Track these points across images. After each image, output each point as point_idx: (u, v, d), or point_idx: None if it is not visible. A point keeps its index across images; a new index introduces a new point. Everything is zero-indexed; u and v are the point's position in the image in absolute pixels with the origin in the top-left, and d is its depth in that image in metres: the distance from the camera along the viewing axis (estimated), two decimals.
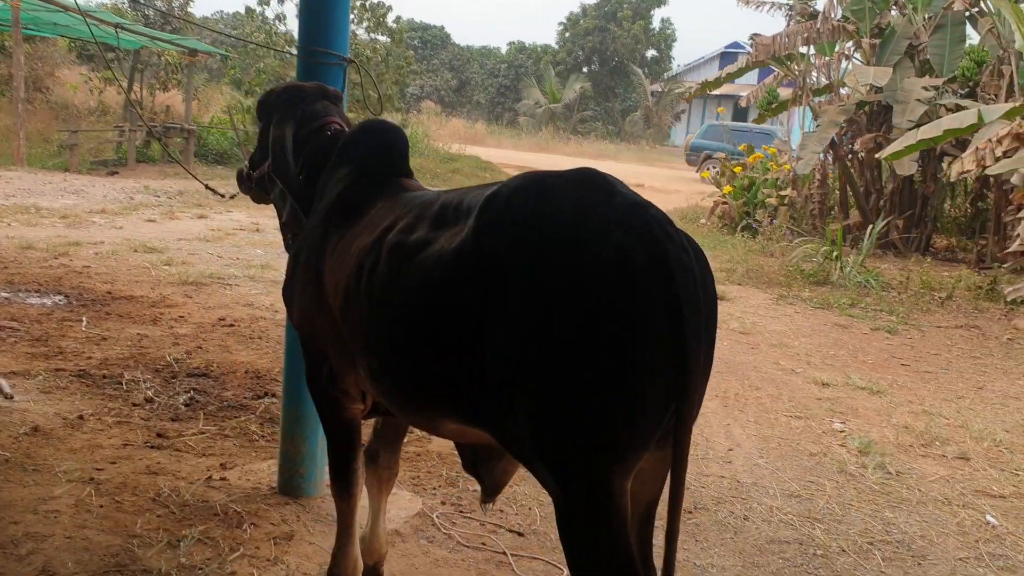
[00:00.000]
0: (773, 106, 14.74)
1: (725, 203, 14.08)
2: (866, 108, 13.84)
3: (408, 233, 2.16)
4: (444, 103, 42.92)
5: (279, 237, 10.04)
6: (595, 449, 1.77)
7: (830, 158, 14.37)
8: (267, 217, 11.98)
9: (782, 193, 13.83)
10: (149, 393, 4.76)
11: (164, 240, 9.44)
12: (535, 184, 1.94)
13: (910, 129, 12.69)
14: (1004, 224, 12.47)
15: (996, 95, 12.93)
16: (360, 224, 2.39)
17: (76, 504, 3.28)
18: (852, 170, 14.15)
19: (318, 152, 2.75)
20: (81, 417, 4.28)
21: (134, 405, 4.59)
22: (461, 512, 3.71)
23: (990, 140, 10.03)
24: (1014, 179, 9.01)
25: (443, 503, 3.77)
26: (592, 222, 1.81)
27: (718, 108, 19.12)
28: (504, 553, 3.35)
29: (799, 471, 4.49)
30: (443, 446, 4.34)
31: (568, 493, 1.81)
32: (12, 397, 4.44)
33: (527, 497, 3.91)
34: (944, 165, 13.56)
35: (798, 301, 9.18)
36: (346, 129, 2.84)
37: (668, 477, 1.85)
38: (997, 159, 9.86)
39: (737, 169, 14.66)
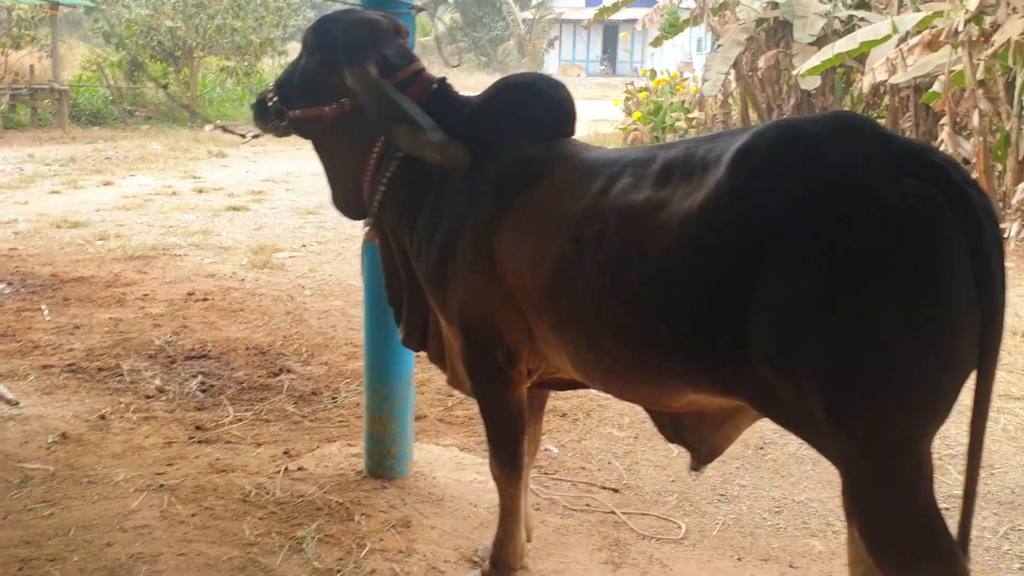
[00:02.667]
0: (674, 27, 14.78)
1: (636, 130, 14.12)
2: (764, 25, 14.04)
3: (633, 194, 2.00)
4: None
5: (202, 199, 9.53)
6: (910, 413, 1.71)
7: (731, 77, 14.55)
8: (178, 179, 11.35)
9: (690, 115, 13.96)
10: (156, 383, 4.43)
11: (82, 212, 8.79)
12: (795, 132, 1.82)
13: (811, 44, 13.03)
14: (902, 130, 12.95)
15: (887, 5, 13.34)
16: (550, 191, 2.21)
17: (163, 516, 3.02)
18: (754, 88, 14.38)
19: (436, 110, 2.49)
20: (103, 417, 3.95)
21: (147, 398, 4.27)
22: (545, 473, 3.61)
23: (901, 49, 10.34)
24: (936, 86, 9.30)
25: (540, 471, 3.65)
26: (878, 171, 1.71)
27: (621, 34, 18.85)
28: (613, 512, 3.28)
29: None
30: None
31: (873, 463, 1.74)
32: (17, 403, 4.05)
33: (600, 451, 3.84)
34: (838, 76, 13.93)
35: None
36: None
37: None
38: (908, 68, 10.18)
39: (643, 94, 14.69)
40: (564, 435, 3.98)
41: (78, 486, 3.26)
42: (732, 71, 14.22)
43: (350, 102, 2.51)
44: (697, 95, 14.07)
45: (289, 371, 4.69)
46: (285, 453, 3.61)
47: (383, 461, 3.31)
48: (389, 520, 3.03)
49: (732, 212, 1.82)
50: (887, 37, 10.02)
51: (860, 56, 11.88)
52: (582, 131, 18.58)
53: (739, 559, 3.01)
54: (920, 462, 1.73)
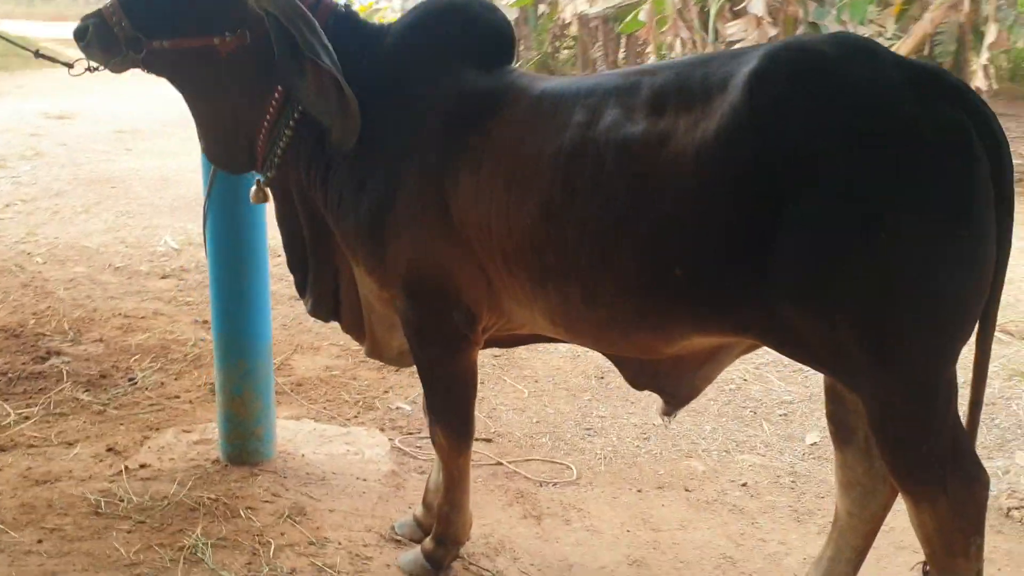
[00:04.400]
0: None
1: None
2: None
3: (628, 127, 1.84)
4: None
5: None
6: (947, 337, 1.74)
7: None
8: None
9: None
10: None
11: None
12: (811, 54, 1.76)
13: None
14: (593, 60, 13.60)
15: None
16: (514, 128, 1.98)
17: (6, 552, 2.46)
18: None
19: (346, 38, 2.17)
20: None
21: None
22: (410, 434, 3.40)
23: None
24: (641, 15, 9.79)
25: (382, 429, 3.42)
26: (907, 94, 1.70)
27: None
28: (501, 463, 3.16)
29: None
30: (320, 372, 3.90)
31: (911, 387, 1.75)
32: None
33: None
34: (529, 8, 14.30)
35: None
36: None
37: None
38: None
39: None
40: (410, 390, 3.76)
41: None
42: None
43: (251, 32, 2.11)
44: None
45: (59, 354, 4.02)
46: (109, 450, 3.09)
47: (247, 445, 2.93)
48: (279, 510, 2.69)
49: (755, 141, 1.73)
50: None
51: None
52: None
53: (639, 491, 3.02)
54: (950, 380, 1.78)
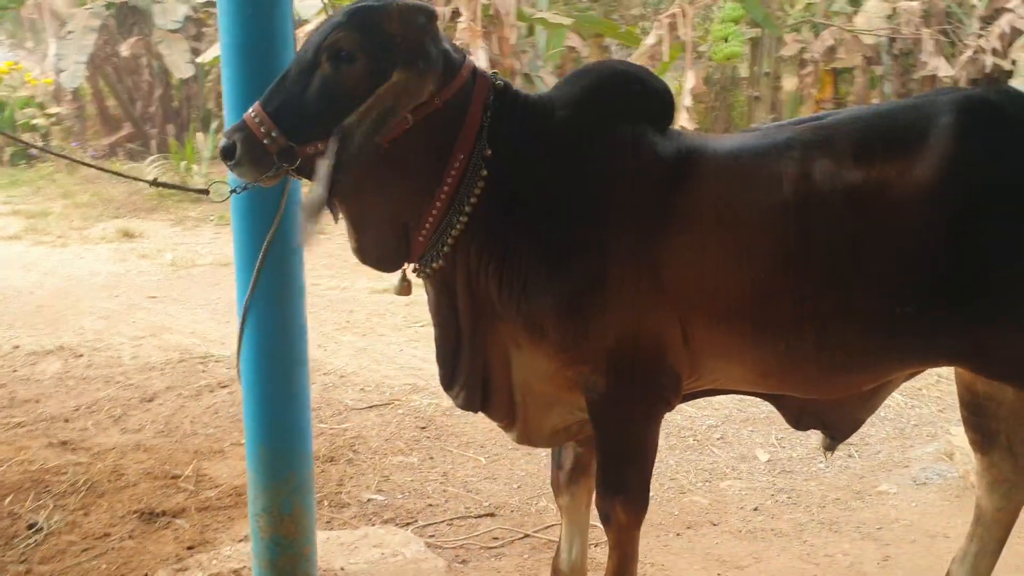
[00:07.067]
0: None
1: None
2: (112, 10, 13.02)
3: (846, 174, 1.96)
4: None
5: None
6: None
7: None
8: None
9: (49, 111, 12.37)
10: None
11: None
12: (993, 107, 2.00)
13: (174, 31, 12.57)
14: None
15: None
16: (719, 186, 2.00)
17: None
18: (112, 78, 13.31)
19: (511, 111, 2.04)
20: None
21: None
22: (407, 524, 3.16)
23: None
24: None
25: (372, 525, 3.14)
26: None
27: None
28: (529, 535, 3.05)
29: None
30: None
31: None
32: None
33: (426, 481, 3.46)
34: (201, 67, 13.64)
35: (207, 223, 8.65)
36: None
37: None
38: None
39: None
40: (362, 479, 3.48)
41: None
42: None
43: (412, 114, 1.91)
44: (53, 87, 12.52)
45: None
46: None
47: (297, 568, 2.55)
48: None
49: (967, 183, 1.93)
50: None
51: None
52: None
53: (678, 534, 3.07)
54: None
